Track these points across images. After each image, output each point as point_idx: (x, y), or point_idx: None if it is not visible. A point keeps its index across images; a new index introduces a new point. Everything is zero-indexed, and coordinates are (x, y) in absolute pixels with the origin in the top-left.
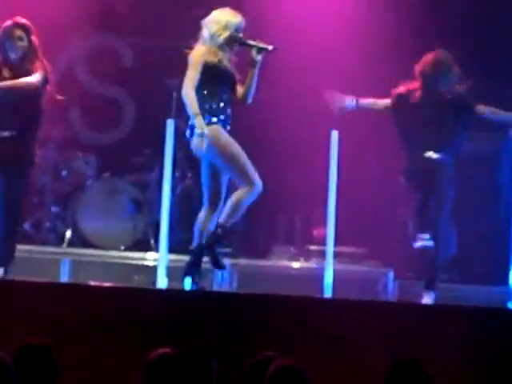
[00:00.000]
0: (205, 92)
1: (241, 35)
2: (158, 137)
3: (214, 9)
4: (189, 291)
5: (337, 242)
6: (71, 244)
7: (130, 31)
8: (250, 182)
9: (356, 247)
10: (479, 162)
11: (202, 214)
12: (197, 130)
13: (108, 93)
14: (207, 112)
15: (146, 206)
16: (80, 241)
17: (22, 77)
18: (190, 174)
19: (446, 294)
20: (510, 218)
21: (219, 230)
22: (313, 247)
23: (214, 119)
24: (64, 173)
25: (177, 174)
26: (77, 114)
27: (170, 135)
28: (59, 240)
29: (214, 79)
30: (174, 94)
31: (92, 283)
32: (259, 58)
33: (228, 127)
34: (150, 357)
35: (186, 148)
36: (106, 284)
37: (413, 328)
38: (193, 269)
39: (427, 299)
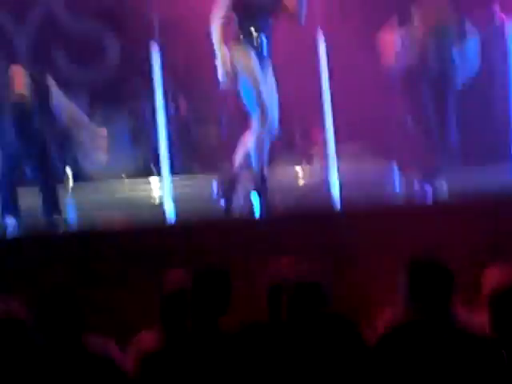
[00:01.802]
0: None
1: None
2: (145, 64)
3: None
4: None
5: (337, 142)
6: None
7: None
8: None
9: (357, 144)
10: None
11: None
12: None
13: (88, 28)
14: None
15: (144, 136)
16: (81, 176)
17: None
18: (181, 97)
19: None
20: (508, 95)
21: None
22: (314, 150)
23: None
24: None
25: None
26: (62, 55)
27: (157, 60)
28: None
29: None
30: (156, 17)
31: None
32: None
33: None
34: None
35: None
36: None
37: (425, 227)
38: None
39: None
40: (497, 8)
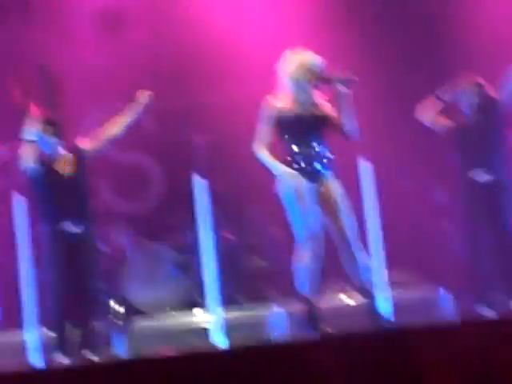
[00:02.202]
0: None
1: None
2: (190, 197)
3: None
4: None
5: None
6: (120, 316)
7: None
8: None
9: (404, 271)
10: None
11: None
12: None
13: (131, 159)
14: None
15: (189, 268)
16: (129, 312)
17: None
18: (226, 230)
19: None
20: None
21: None
22: None
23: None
24: (103, 247)
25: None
26: (106, 187)
27: (201, 192)
28: (107, 315)
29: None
30: (201, 151)
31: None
32: (345, 89)
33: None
34: None
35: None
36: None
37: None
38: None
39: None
40: None
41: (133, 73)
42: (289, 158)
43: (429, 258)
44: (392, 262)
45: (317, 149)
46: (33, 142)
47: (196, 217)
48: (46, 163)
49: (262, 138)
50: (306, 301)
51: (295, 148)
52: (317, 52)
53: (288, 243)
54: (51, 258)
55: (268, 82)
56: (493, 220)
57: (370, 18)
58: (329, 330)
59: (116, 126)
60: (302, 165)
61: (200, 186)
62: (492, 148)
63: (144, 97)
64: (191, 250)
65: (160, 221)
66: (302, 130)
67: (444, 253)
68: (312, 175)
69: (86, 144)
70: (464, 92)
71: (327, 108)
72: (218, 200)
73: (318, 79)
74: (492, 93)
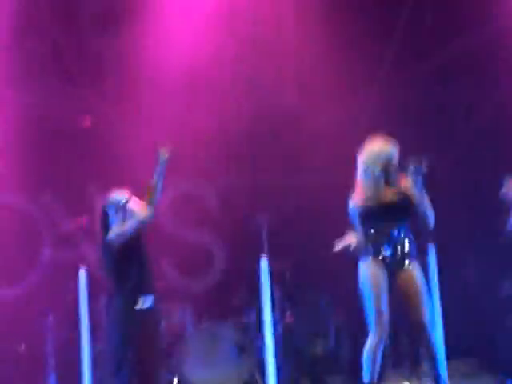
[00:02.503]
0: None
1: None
2: (252, 276)
3: None
4: None
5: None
6: None
7: (208, 173)
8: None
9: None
10: None
11: None
12: None
13: (196, 237)
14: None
15: (249, 347)
16: None
17: None
18: (289, 312)
19: None
20: None
21: None
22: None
23: (365, 257)
24: (163, 323)
25: (276, 312)
26: (168, 263)
27: (265, 273)
28: None
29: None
30: (265, 230)
31: None
32: (418, 177)
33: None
34: None
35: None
36: None
37: None
38: None
39: None
40: None
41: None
42: (370, 246)
43: (494, 348)
44: (454, 351)
45: (394, 237)
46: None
47: (259, 296)
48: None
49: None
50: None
51: (375, 237)
52: None
53: (351, 329)
54: (126, 334)
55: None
56: None
57: None
58: None
59: (151, 192)
60: (383, 253)
61: (265, 266)
62: None
63: (164, 154)
64: (252, 330)
65: (222, 299)
66: (376, 220)
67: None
68: (391, 264)
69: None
70: None
71: (408, 194)
72: (282, 281)
73: (389, 167)
74: None
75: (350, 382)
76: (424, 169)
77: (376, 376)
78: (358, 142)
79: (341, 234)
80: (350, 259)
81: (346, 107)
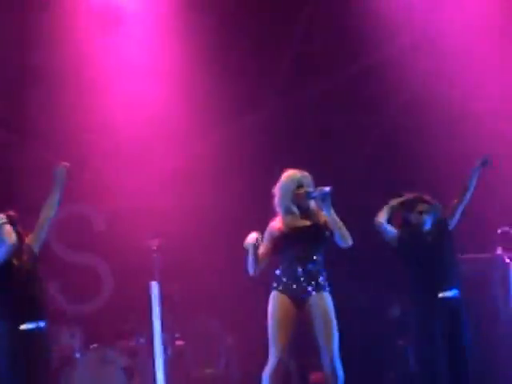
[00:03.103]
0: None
1: (303, 190)
2: (142, 301)
3: None
4: None
5: None
6: None
7: (100, 197)
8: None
9: None
10: (471, 285)
11: None
12: None
13: (83, 260)
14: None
15: (138, 372)
16: None
17: None
18: (177, 335)
19: None
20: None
21: None
22: None
23: (274, 285)
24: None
25: (165, 336)
26: (56, 286)
27: (156, 298)
28: None
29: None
30: (155, 255)
31: None
32: (324, 201)
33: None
34: None
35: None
36: None
37: None
38: None
39: None
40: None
41: None
42: (280, 275)
43: (381, 376)
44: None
45: (306, 264)
46: None
47: (149, 321)
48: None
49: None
50: None
51: (282, 266)
52: None
53: (241, 352)
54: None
55: None
56: (451, 337)
57: None
58: None
59: (47, 209)
60: (288, 282)
61: (155, 291)
62: (449, 266)
63: (61, 171)
64: (142, 355)
65: (111, 324)
66: (286, 248)
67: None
68: (299, 293)
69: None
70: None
71: (320, 219)
72: (171, 304)
73: (299, 194)
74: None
75: None
76: (328, 191)
77: None
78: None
79: (232, 255)
80: (241, 284)
81: (230, 132)
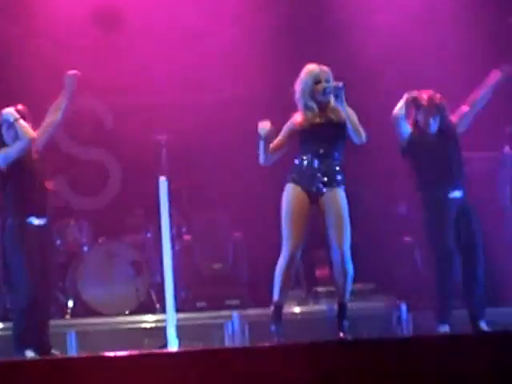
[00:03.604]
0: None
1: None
2: (148, 196)
3: None
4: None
5: None
6: (74, 314)
7: (107, 91)
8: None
9: (364, 283)
10: (478, 183)
11: None
12: None
13: (92, 156)
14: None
15: (146, 266)
16: (83, 310)
17: None
18: (184, 230)
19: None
20: None
21: None
22: (320, 288)
23: (292, 175)
24: (58, 242)
25: (173, 231)
26: (64, 182)
27: (164, 193)
28: (61, 312)
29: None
30: (164, 151)
31: (104, 353)
32: (338, 95)
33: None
34: None
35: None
36: (119, 353)
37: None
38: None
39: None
40: None
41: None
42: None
43: (390, 272)
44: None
45: (323, 159)
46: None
47: (157, 216)
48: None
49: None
50: (274, 305)
51: (301, 157)
52: None
53: (249, 248)
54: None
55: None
56: (462, 236)
57: None
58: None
59: (53, 113)
60: (304, 176)
61: (163, 186)
62: (456, 165)
63: (70, 78)
64: (149, 250)
65: (119, 218)
66: (305, 142)
67: (406, 267)
68: (311, 187)
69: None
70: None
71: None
72: (179, 201)
73: (318, 89)
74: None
75: (247, 301)
76: (341, 86)
77: (282, 296)
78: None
79: (241, 150)
80: (250, 180)
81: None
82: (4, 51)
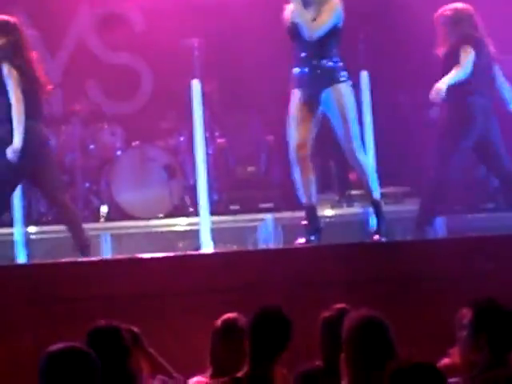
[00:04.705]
0: None
1: None
2: (181, 99)
3: None
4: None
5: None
6: (108, 218)
7: None
8: None
9: (397, 187)
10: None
11: None
12: None
13: (123, 60)
14: None
15: (180, 170)
16: (117, 214)
17: None
18: (217, 133)
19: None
20: None
21: None
22: (354, 192)
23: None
24: (91, 147)
25: (206, 134)
26: (95, 86)
27: (197, 96)
28: (95, 215)
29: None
30: (196, 53)
31: (139, 255)
32: None
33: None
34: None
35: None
36: (154, 254)
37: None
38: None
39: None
40: None
41: None
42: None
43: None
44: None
45: (316, 56)
46: None
47: (190, 120)
48: None
49: None
50: (306, 208)
51: (296, 62)
52: None
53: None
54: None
55: None
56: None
57: None
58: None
59: None
60: (302, 79)
61: (196, 89)
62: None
63: None
64: (182, 153)
65: (151, 122)
66: (295, 43)
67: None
68: (310, 89)
69: None
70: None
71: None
72: (211, 104)
73: None
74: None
75: (280, 204)
76: None
77: (309, 199)
78: None
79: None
80: (282, 80)
81: None
82: None
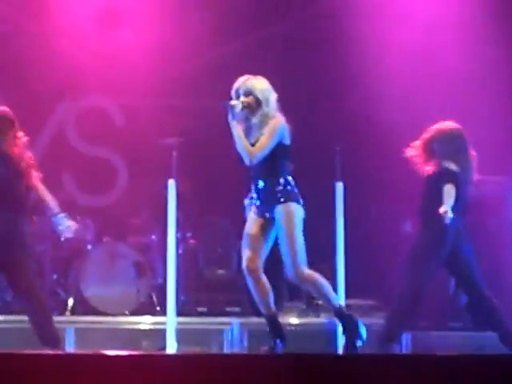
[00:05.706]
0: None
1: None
2: (155, 198)
3: None
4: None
5: (345, 296)
6: (74, 312)
7: (119, 92)
8: None
9: (363, 299)
10: (484, 207)
11: None
12: None
13: (101, 154)
14: None
15: (149, 268)
16: (83, 308)
17: None
18: (189, 234)
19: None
20: None
21: None
22: (320, 301)
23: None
24: (62, 238)
25: (178, 234)
26: (70, 178)
27: (172, 196)
28: (61, 308)
29: None
30: (174, 153)
31: (103, 352)
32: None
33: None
34: None
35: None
36: (118, 352)
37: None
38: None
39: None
40: None
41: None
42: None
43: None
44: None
45: (260, 180)
46: None
47: (163, 218)
48: None
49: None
50: (267, 318)
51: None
52: None
53: None
54: None
55: None
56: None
57: None
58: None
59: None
60: (252, 201)
61: (172, 189)
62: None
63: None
64: (152, 252)
65: (124, 219)
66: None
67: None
68: (259, 210)
69: None
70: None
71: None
72: (185, 205)
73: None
74: None
75: (248, 309)
76: (230, 105)
77: (267, 306)
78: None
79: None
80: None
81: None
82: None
